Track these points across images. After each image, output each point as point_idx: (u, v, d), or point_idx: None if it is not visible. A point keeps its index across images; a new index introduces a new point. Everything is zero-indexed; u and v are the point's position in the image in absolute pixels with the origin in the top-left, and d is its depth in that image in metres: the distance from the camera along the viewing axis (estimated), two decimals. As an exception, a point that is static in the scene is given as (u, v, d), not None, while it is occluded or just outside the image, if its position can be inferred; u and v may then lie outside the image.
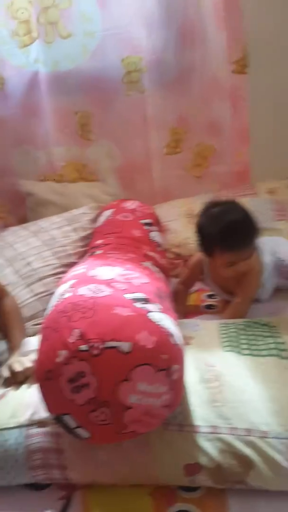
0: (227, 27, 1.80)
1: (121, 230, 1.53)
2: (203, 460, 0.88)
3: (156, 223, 1.66)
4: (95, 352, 0.78)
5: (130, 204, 1.72)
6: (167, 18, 1.81)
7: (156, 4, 1.81)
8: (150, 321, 0.84)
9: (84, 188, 2.04)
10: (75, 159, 2.07)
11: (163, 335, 0.83)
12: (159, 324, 0.85)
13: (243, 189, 1.94)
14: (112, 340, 0.79)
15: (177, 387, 0.85)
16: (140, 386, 0.79)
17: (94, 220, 1.80)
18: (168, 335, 0.84)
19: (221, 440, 0.89)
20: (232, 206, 1.36)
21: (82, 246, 1.67)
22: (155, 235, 1.54)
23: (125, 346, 0.79)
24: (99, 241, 1.49)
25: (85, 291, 0.93)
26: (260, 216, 1.77)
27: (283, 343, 1.08)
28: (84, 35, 1.86)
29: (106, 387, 0.78)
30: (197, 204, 1.87)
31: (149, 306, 0.89)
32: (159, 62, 1.88)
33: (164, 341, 0.82)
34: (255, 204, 1.82)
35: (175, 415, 0.92)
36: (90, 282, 0.98)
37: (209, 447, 0.89)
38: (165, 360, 0.81)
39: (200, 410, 0.93)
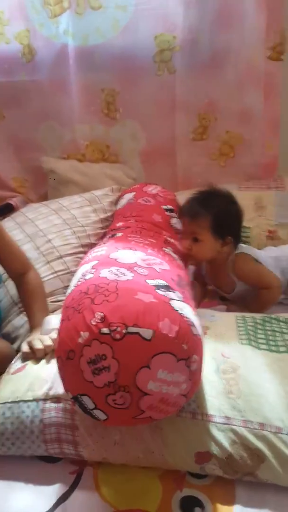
0: (267, 8, 1.72)
1: (142, 214, 1.52)
2: (214, 449, 0.90)
3: (177, 210, 1.65)
4: (117, 336, 0.79)
5: (152, 189, 1.70)
6: (204, -4, 1.75)
7: (194, -20, 1.74)
8: (172, 309, 0.84)
9: (106, 169, 2.02)
10: (99, 138, 2.04)
11: (185, 325, 0.83)
12: (181, 313, 0.85)
13: (270, 181, 1.90)
14: (134, 325, 0.79)
15: (196, 377, 0.85)
16: (160, 374, 0.79)
17: (115, 202, 1.79)
18: (190, 324, 0.84)
19: (234, 431, 0.90)
20: (221, 192, 1.43)
21: (101, 228, 1.67)
22: (175, 222, 1.53)
23: (147, 332, 0.79)
24: (120, 224, 1.49)
25: (107, 273, 0.93)
26: (285, 211, 1.76)
27: (301, 340, 1.08)
28: (115, 8, 1.80)
29: (126, 372, 0.79)
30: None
31: (170, 294, 0.89)
32: (193, 42, 1.81)
33: (185, 330, 0.82)
34: (280, 198, 1.79)
35: (189, 402, 0.93)
36: (112, 265, 0.98)
37: (221, 437, 0.90)
38: (185, 350, 0.81)
39: (215, 400, 0.94)
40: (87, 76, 1.93)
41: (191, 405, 0.93)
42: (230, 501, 0.88)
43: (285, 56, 1.79)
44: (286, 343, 1.07)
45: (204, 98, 1.90)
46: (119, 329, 0.79)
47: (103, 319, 0.80)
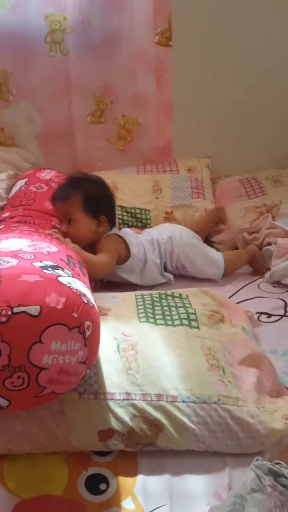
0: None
1: (32, 202, 1.50)
2: (116, 426, 0.92)
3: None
4: (3, 319, 0.77)
5: (46, 174, 1.67)
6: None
7: None
8: (59, 283, 0.84)
9: (1, 153, 1.93)
10: (-8, 121, 1.94)
11: (73, 295, 0.83)
12: (69, 286, 0.85)
13: (165, 165, 1.97)
14: (20, 305, 0.78)
15: (92, 343, 0.86)
16: (53, 345, 0.80)
17: (10, 189, 1.72)
18: (79, 294, 0.85)
19: (133, 405, 0.94)
20: (91, 176, 1.51)
21: (-4, 217, 1.59)
22: None
23: (34, 309, 0.78)
24: (6, 214, 1.44)
25: None
26: (179, 193, 1.84)
27: (193, 313, 1.15)
28: (2, -16, 1.72)
29: (18, 351, 0.78)
30: (119, 177, 1.87)
31: (59, 272, 0.90)
32: (85, 24, 1.80)
33: (74, 300, 0.82)
34: (175, 180, 1.88)
35: (91, 383, 0.95)
36: (-5, 255, 0.94)
37: (122, 413, 0.93)
38: (76, 318, 0.81)
39: (115, 378, 0.97)
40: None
41: (93, 386, 0.95)
42: (133, 473, 0.92)
43: (173, 42, 1.84)
44: (180, 316, 1.13)
45: (98, 80, 1.90)
46: (3, 312, 0.78)
47: None
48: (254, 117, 2.03)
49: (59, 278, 0.86)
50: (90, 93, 1.92)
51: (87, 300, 0.86)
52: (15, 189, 1.64)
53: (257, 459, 0.82)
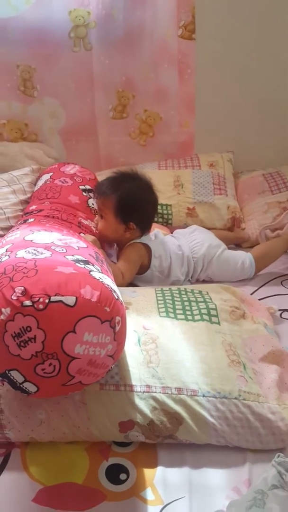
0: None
1: (58, 195, 1.51)
2: (136, 417, 0.94)
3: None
4: (41, 306, 0.80)
5: (70, 169, 1.68)
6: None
7: None
8: (92, 278, 0.87)
9: (25, 149, 1.95)
10: (17, 117, 1.97)
11: (106, 290, 0.86)
12: (101, 281, 0.88)
13: (187, 160, 1.96)
14: (56, 295, 0.81)
15: (120, 338, 0.88)
16: (86, 336, 0.82)
17: (35, 183, 1.74)
18: (110, 290, 0.87)
19: (154, 398, 0.95)
20: (137, 177, 1.43)
21: (21, 210, 1.62)
22: (94, 202, 1.53)
23: (70, 299, 0.81)
24: (33, 207, 1.46)
25: (23, 253, 0.92)
26: (201, 188, 1.83)
27: (213, 308, 1.15)
28: (27, -20, 1.74)
29: (52, 339, 0.80)
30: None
31: (90, 267, 0.92)
32: (108, 18, 1.80)
33: (106, 295, 0.85)
34: (197, 176, 1.87)
35: (112, 375, 0.96)
36: (28, 246, 0.97)
37: (142, 405, 0.94)
38: (108, 312, 0.84)
39: (136, 370, 0.98)
40: (0, 52, 1.84)
41: (114, 377, 0.96)
42: (153, 464, 0.93)
43: (196, 35, 1.83)
44: (201, 311, 1.13)
45: (121, 75, 1.90)
46: (41, 299, 0.80)
47: (24, 293, 0.80)
48: (277, 111, 2.00)
49: (91, 273, 0.88)
50: (113, 88, 1.92)
51: (118, 296, 0.88)
52: (40, 183, 1.66)
53: (278, 456, 0.82)
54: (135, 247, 1.42)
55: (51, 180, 1.62)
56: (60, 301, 0.80)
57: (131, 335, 1.04)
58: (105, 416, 0.94)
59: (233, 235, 1.75)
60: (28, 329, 0.79)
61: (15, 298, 0.80)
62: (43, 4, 1.78)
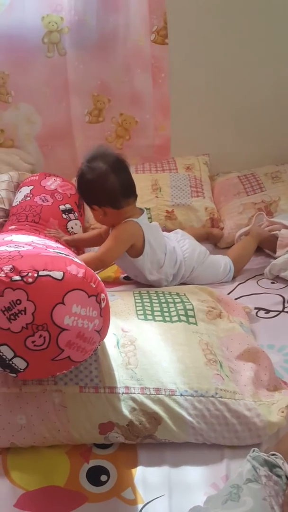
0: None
1: (38, 219, 1.53)
2: (116, 419, 0.95)
3: (76, 207, 1.67)
4: (30, 280, 0.82)
5: (51, 183, 1.69)
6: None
7: None
8: (76, 261, 0.92)
9: (1, 155, 1.95)
10: (-8, 123, 1.97)
11: (89, 270, 0.90)
12: (84, 264, 0.92)
13: (164, 163, 1.98)
14: (44, 270, 0.84)
15: (105, 315, 0.91)
16: (74, 308, 0.84)
17: (13, 191, 1.74)
18: (93, 272, 0.91)
19: (133, 399, 0.96)
20: (90, 166, 1.36)
21: (-1, 217, 1.62)
22: (72, 225, 1.59)
23: (58, 274, 0.84)
24: (12, 227, 1.47)
25: (5, 248, 0.94)
26: (179, 192, 1.86)
27: (191, 309, 1.17)
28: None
29: (42, 310, 0.82)
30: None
31: (71, 257, 0.95)
32: (81, 23, 1.82)
33: (90, 273, 0.89)
34: (174, 179, 1.89)
35: (92, 378, 0.97)
36: (9, 243, 0.98)
37: (121, 406, 0.95)
38: (94, 288, 0.88)
39: (115, 372, 0.99)
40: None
41: (94, 380, 0.97)
42: (133, 464, 0.95)
43: (169, 40, 1.86)
44: (178, 312, 1.16)
45: (96, 80, 1.92)
46: (30, 274, 0.83)
47: (13, 270, 0.83)
48: (252, 114, 2.04)
49: (74, 259, 0.93)
50: (88, 93, 1.93)
51: (100, 279, 0.92)
52: (20, 196, 1.66)
53: (253, 451, 0.84)
54: (127, 225, 1.39)
55: (31, 196, 1.62)
56: (48, 275, 0.83)
57: (110, 337, 1.05)
58: (85, 418, 0.95)
59: (203, 231, 1.77)
60: (18, 302, 0.81)
61: (3, 275, 0.82)
62: (15, 10, 1.79)
